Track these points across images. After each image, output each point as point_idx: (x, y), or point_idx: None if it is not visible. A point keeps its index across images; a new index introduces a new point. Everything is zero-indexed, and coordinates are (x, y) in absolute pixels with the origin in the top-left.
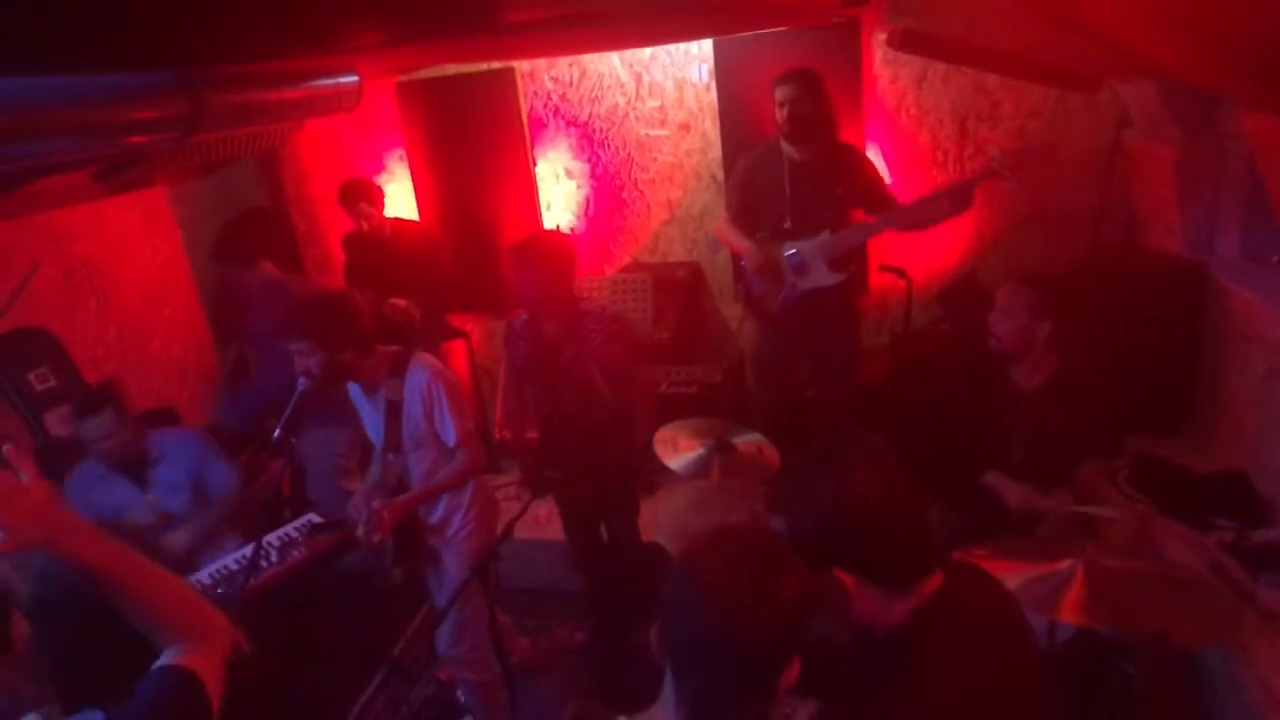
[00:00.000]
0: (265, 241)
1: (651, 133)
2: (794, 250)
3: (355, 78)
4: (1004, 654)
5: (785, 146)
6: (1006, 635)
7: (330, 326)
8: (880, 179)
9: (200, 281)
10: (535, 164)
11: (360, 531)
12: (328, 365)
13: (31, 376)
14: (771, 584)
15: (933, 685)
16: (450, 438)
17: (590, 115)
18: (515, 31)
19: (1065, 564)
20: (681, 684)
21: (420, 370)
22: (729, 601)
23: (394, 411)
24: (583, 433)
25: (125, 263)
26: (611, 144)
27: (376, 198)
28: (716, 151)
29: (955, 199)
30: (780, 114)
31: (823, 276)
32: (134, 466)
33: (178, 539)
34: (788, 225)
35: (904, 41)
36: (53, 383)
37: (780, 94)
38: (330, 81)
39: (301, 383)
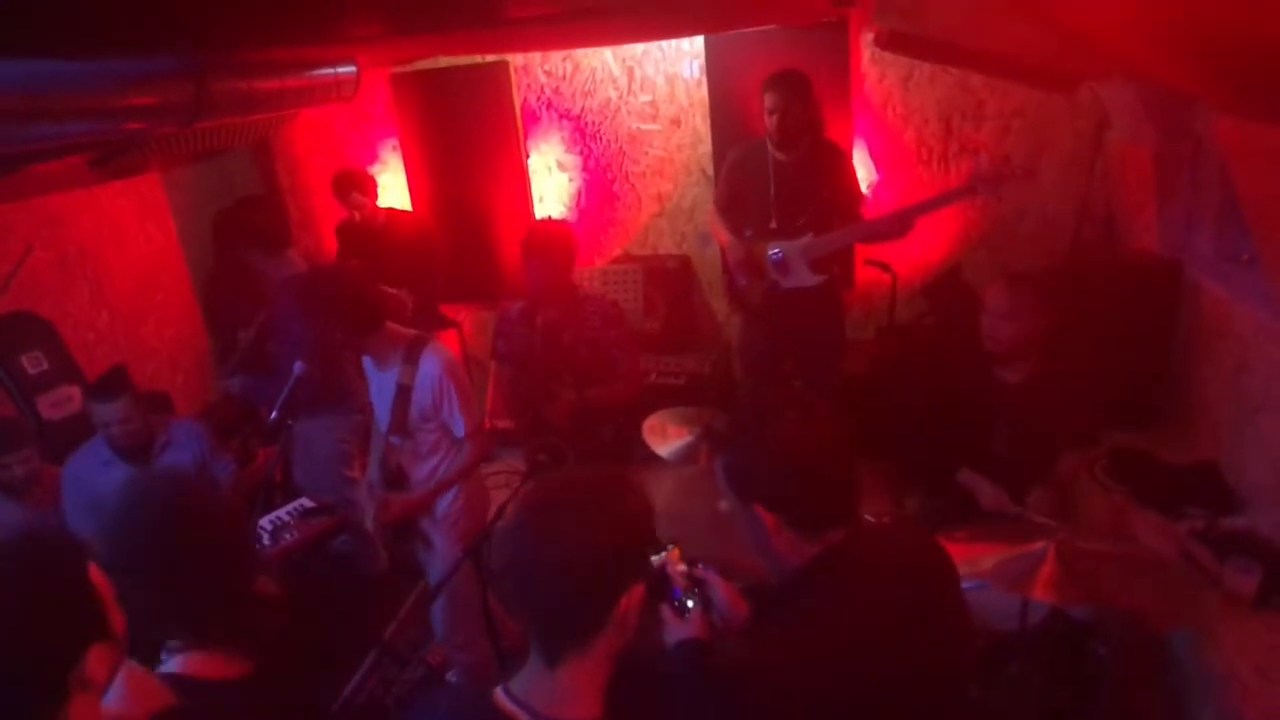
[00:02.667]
0: (259, 230)
1: (643, 127)
2: (777, 250)
3: (353, 68)
4: (899, 606)
5: (771, 147)
6: (906, 590)
7: (334, 302)
8: (855, 187)
9: (193, 268)
10: (528, 156)
11: (369, 520)
12: (320, 343)
13: (24, 360)
14: (589, 510)
15: (814, 625)
16: (458, 429)
17: (583, 109)
18: (514, 25)
19: (1038, 545)
20: (528, 621)
21: (433, 361)
22: (548, 526)
23: (404, 395)
24: (576, 415)
25: (119, 248)
26: (603, 137)
27: (369, 188)
28: (707, 146)
29: (899, 223)
30: (770, 121)
31: (804, 277)
32: (140, 452)
33: None
34: (773, 225)
35: (891, 41)
36: (45, 366)
37: (770, 101)
38: (329, 71)
39: (298, 366)
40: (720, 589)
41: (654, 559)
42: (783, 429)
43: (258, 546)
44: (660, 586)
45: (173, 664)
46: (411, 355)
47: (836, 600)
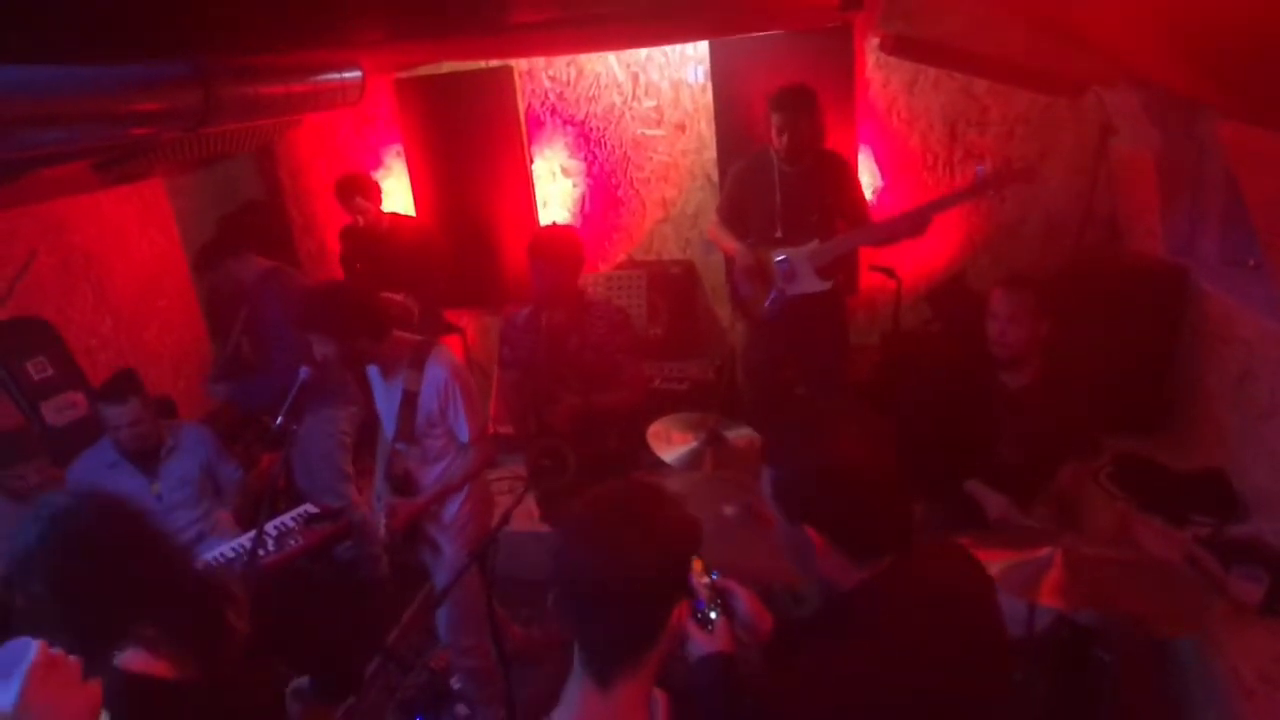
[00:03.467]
0: (261, 234)
1: (647, 132)
2: (784, 257)
3: (359, 73)
4: (948, 635)
5: (775, 158)
6: (956, 619)
7: (338, 317)
8: (860, 194)
9: (196, 273)
10: (532, 162)
11: (380, 526)
12: (342, 354)
13: (29, 366)
14: (644, 524)
15: (858, 654)
16: (464, 435)
17: (587, 114)
18: (518, 30)
19: (1044, 551)
20: (582, 643)
21: (439, 366)
22: (606, 544)
23: (409, 401)
24: (579, 419)
25: (122, 254)
26: (608, 143)
27: (373, 193)
28: (711, 152)
29: (914, 222)
30: (780, 141)
31: (811, 284)
32: (147, 456)
33: (218, 522)
34: (779, 234)
35: (896, 46)
36: (50, 372)
37: (779, 120)
38: (335, 76)
39: (304, 371)
40: (744, 600)
41: None
42: (838, 445)
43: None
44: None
45: (118, 659)
46: (417, 361)
47: (883, 629)
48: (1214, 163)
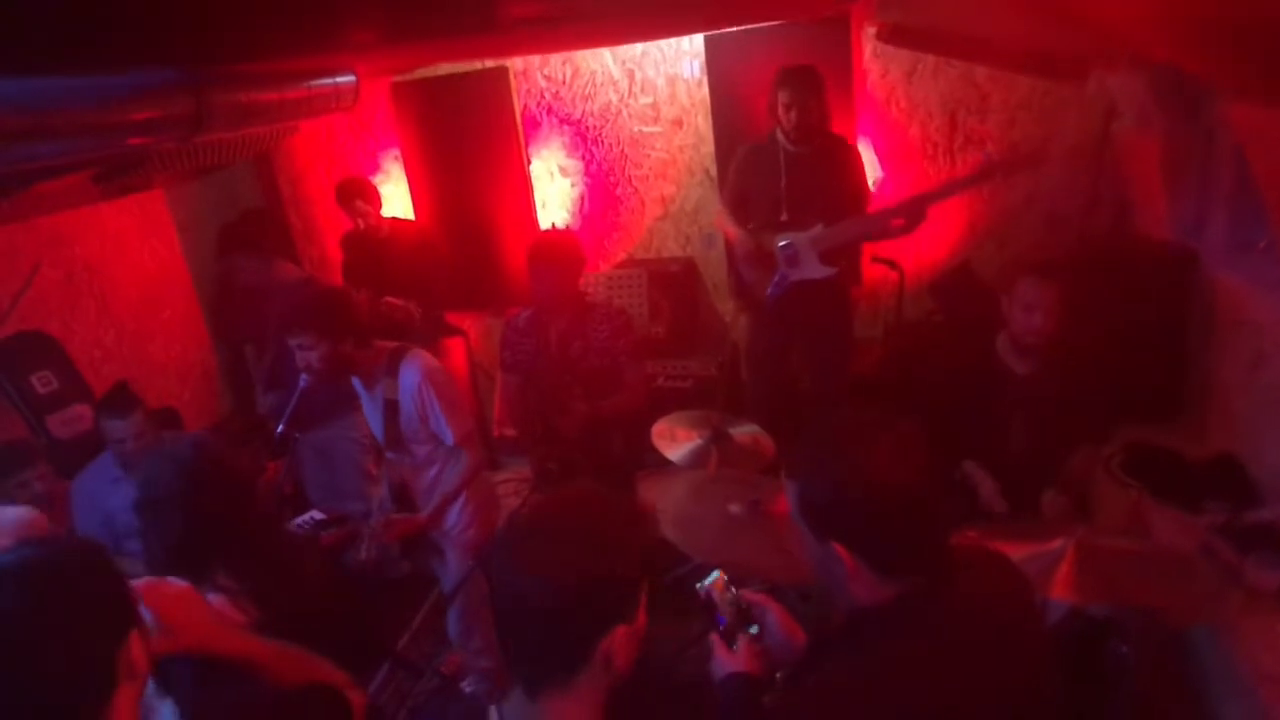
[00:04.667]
0: (263, 243)
1: (644, 129)
2: (787, 241)
3: (352, 77)
4: (981, 654)
5: (781, 140)
6: (991, 637)
7: (330, 317)
8: (864, 182)
9: (198, 283)
10: (529, 162)
11: (365, 539)
12: (329, 357)
13: (34, 379)
14: (580, 545)
15: (885, 671)
16: (448, 438)
17: (583, 113)
18: (512, 28)
19: (1057, 543)
20: (505, 651)
21: (411, 370)
22: (533, 558)
23: (391, 410)
24: (587, 426)
25: (124, 265)
26: (605, 141)
27: (372, 196)
28: (709, 147)
29: (919, 208)
30: (787, 117)
31: (814, 269)
32: None
33: None
34: (784, 218)
35: (894, 35)
36: (55, 385)
37: (786, 96)
38: (329, 81)
39: (303, 379)
40: (775, 616)
41: (699, 586)
42: (870, 460)
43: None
44: (706, 614)
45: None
46: (392, 368)
47: (911, 650)
48: (1222, 144)
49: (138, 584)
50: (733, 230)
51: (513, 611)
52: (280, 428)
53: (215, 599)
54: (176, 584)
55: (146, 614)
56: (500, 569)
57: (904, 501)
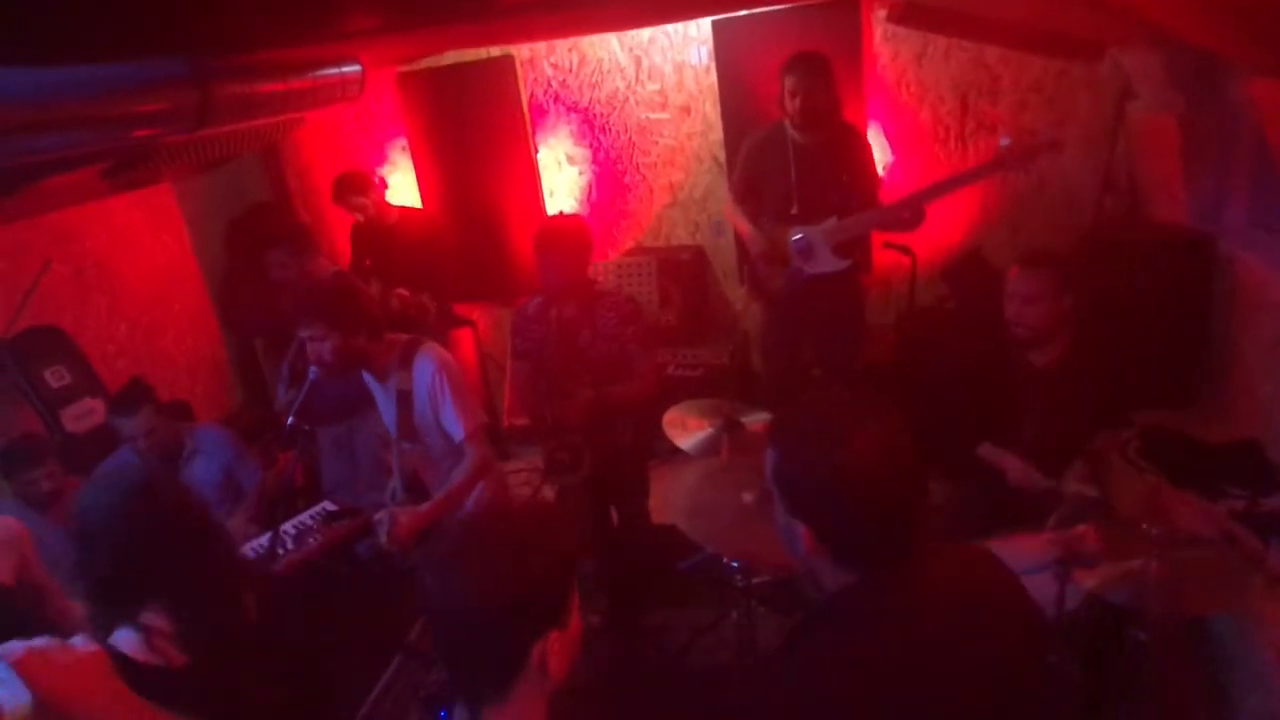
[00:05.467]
0: (272, 235)
1: (652, 116)
2: (800, 235)
3: (358, 67)
4: (944, 650)
5: (790, 130)
6: (958, 632)
7: (343, 309)
8: (873, 170)
9: (208, 277)
10: (537, 151)
11: (382, 535)
12: (341, 349)
13: (47, 374)
14: (503, 561)
15: (830, 661)
16: (457, 433)
17: (590, 100)
18: (512, 13)
19: (1077, 530)
20: (444, 663)
21: (426, 363)
22: (463, 571)
23: (405, 401)
24: (592, 412)
25: (134, 260)
26: (612, 129)
27: (368, 188)
28: (717, 133)
29: (933, 198)
30: (792, 104)
31: (828, 262)
32: (168, 459)
33: (236, 523)
34: (794, 210)
35: (905, 15)
36: (68, 380)
37: (791, 83)
38: (334, 71)
39: (313, 372)
40: None
41: None
42: (849, 449)
43: (279, 552)
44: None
45: (115, 639)
46: (406, 360)
47: (860, 639)
48: (1241, 123)
49: (19, 652)
50: (744, 226)
51: (447, 625)
52: (290, 420)
53: (125, 639)
54: (78, 650)
55: (21, 690)
56: (431, 585)
57: (872, 496)
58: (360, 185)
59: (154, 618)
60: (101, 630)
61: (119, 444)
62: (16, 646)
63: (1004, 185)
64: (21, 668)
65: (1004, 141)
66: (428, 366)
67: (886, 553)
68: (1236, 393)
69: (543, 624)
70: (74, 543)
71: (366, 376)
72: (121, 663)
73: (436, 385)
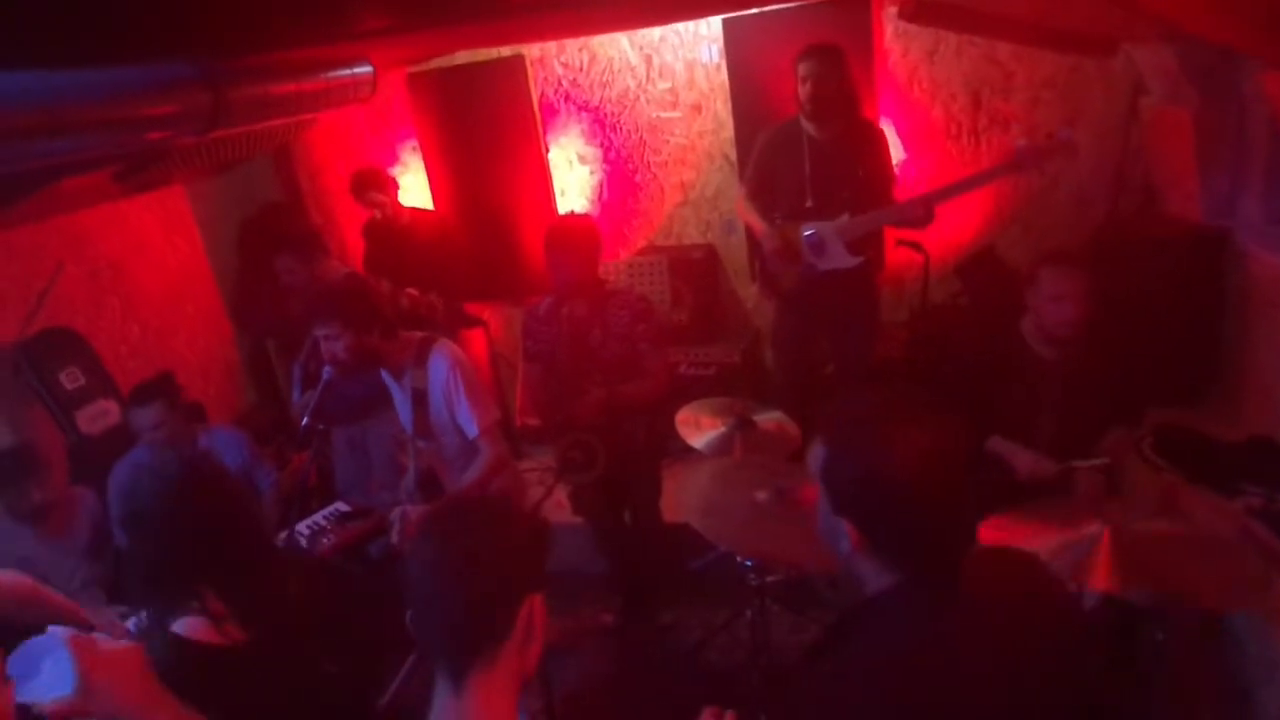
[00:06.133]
0: (284, 236)
1: (663, 115)
2: (812, 231)
3: (369, 68)
4: (985, 656)
5: (805, 124)
6: (998, 639)
7: (357, 308)
8: (889, 167)
9: (220, 278)
10: (548, 150)
11: (394, 535)
12: (355, 348)
13: (62, 376)
14: (484, 533)
15: (867, 666)
16: (471, 429)
17: (601, 100)
18: (523, 13)
19: (1091, 529)
20: (429, 644)
21: (440, 360)
22: (449, 550)
23: (420, 399)
24: (604, 411)
25: (147, 262)
26: (623, 128)
27: (386, 185)
28: (729, 132)
29: (945, 199)
30: (802, 91)
31: (840, 259)
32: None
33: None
34: (809, 204)
35: (916, 12)
36: (82, 381)
37: (803, 70)
38: (346, 72)
39: (327, 372)
40: None
41: None
42: (903, 449)
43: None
44: None
45: (177, 626)
46: (421, 359)
47: (902, 644)
48: (1255, 118)
49: (68, 633)
50: (757, 223)
51: (436, 605)
52: (305, 420)
53: (189, 623)
54: (116, 645)
55: (74, 669)
56: (419, 570)
57: (928, 497)
58: (380, 182)
59: (210, 600)
60: (157, 620)
61: (133, 445)
62: (64, 630)
63: (1017, 182)
64: (72, 645)
65: (1019, 145)
66: (442, 363)
67: (932, 555)
68: (1251, 389)
69: (528, 588)
70: (123, 530)
71: (384, 375)
72: (188, 649)
73: (451, 382)
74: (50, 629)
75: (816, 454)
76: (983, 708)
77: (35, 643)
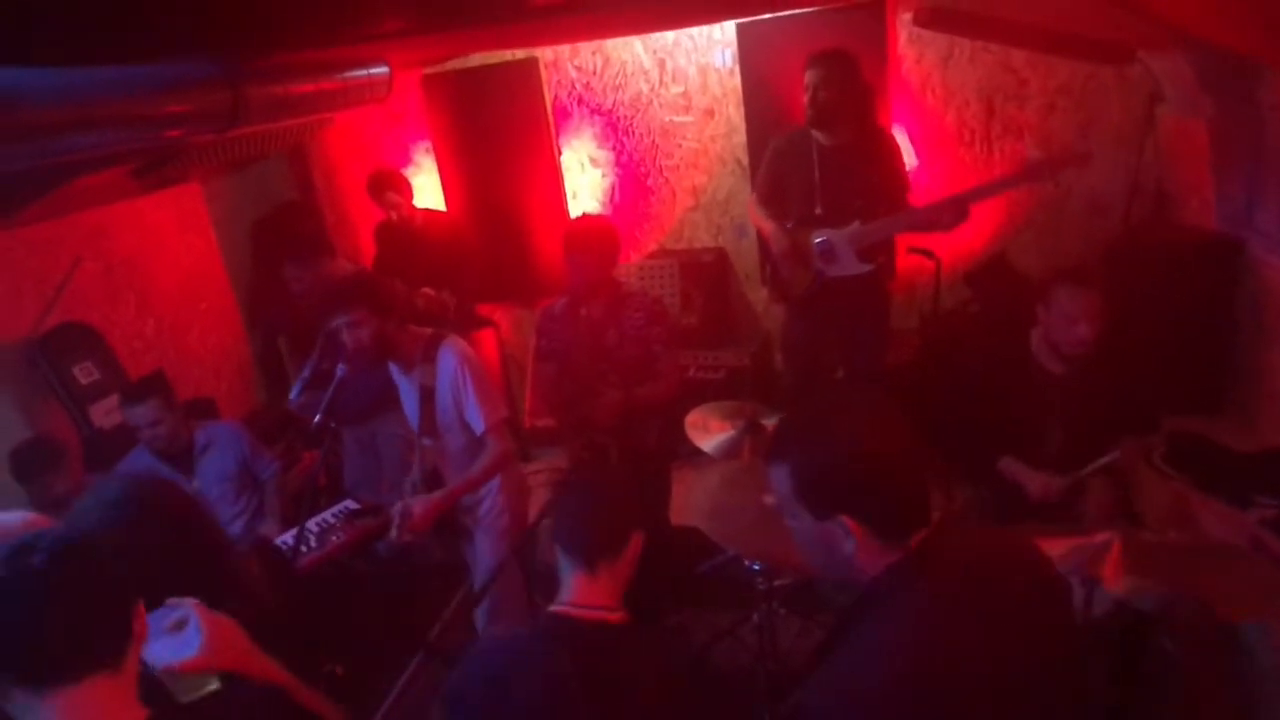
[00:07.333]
0: (298, 235)
1: (676, 119)
2: (823, 238)
3: (386, 68)
4: (989, 607)
5: (814, 131)
6: (997, 589)
7: (380, 295)
8: (903, 173)
9: (234, 276)
10: (560, 153)
11: (393, 531)
12: (379, 334)
13: (76, 370)
14: (610, 489)
15: (894, 634)
16: (478, 425)
17: (614, 103)
18: (538, 16)
19: (1102, 537)
20: (581, 546)
21: (449, 355)
22: (587, 498)
23: (427, 396)
24: (621, 414)
25: (162, 258)
26: (636, 131)
27: (403, 187)
28: (741, 136)
29: (958, 208)
30: (810, 98)
31: (851, 266)
32: (181, 455)
33: (270, 528)
34: (819, 212)
35: (931, 19)
36: (97, 376)
37: (808, 77)
38: (362, 72)
39: (340, 369)
40: None
41: None
42: (860, 429)
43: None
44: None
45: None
46: (429, 355)
47: (921, 606)
48: (1272, 128)
49: (190, 601)
50: (767, 227)
51: (584, 517)
52: (317, 418)
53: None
54: (217, 614)
55: (199, 630)
56: (570, 504)
57: (895, 465)
58: (397, 183)
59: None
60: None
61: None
62: (182, 600)
63: (1030, 190)
64: (198, 611)
65: (1032, 155)
66: (451, 359)
67: (921, 514)
68: (1265, 399)
69: (636, 524)
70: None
71: (393, 369)
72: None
73: (460, 376)
74: (171, 600)
75: (779, 475)
76: (994, 676)
77: (163, 610)
